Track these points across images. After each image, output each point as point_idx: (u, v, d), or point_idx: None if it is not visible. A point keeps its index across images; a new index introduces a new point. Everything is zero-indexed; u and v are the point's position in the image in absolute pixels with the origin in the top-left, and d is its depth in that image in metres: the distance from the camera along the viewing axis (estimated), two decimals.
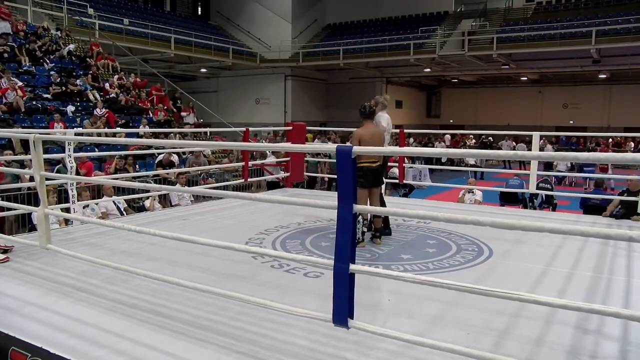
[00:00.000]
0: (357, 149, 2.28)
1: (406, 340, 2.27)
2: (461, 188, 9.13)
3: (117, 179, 6.96)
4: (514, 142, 21.50)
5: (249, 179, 7.71)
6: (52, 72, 12.64)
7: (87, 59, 14.52)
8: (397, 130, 7.96)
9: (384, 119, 5.35)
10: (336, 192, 2.34)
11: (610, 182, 13.71)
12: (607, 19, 18.67)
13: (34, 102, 11.16)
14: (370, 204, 4.77)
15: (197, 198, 8.39)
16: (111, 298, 3.26)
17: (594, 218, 6.29)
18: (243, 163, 7.60)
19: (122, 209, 7.40)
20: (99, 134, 8.52)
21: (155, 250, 4.40)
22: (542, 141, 19.17)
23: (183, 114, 14.74)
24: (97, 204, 7.05)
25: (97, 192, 7.61)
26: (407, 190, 10.96)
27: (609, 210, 6.31)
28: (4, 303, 3.19)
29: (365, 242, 4.75)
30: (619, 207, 6.27)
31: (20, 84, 11.18)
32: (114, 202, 7.19)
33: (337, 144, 2.41)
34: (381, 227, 4.98)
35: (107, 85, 13.74)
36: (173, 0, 27.62)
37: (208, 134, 13.67)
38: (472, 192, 8.71)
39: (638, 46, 17.35)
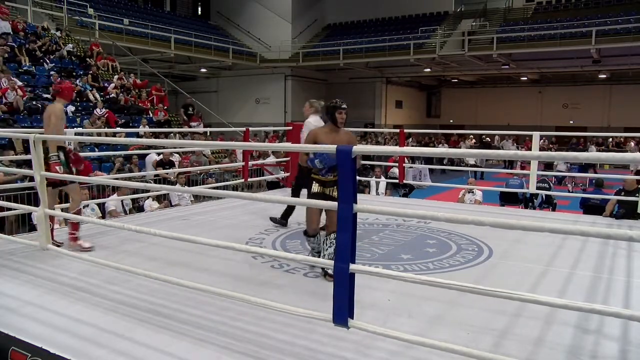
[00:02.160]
0: (357, 148, 2.28)
1: (406, 340, 2.28)
2: (461, 188, 9.13)
3: (117, 179, 6.96)
4: (515, 143, 21.49)
5: (249, 179, 7.71)
6: (52, 72, 12.64)
7: (87, 59, 14.51)
8: (397, 130, 7.99)
9: (307, 125, 5.44)
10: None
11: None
12: (607, 19, 18.65)
13: (34, 102, 11.15)
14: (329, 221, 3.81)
15: (197, 198, 8.39)
16: (111, 298, 3.26)
17: (594, 218, 6.29)
18: (243, 163, 7.61)
19: (127, 210, 7.43)
20: (99, 134, 8.52)
21: (155, 250, 4.40)
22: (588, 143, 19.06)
23: (193, 123, 14.50)
24: (97, 204, 7.06)
25: (98, 192, 7.63)
26: (407, 190, 10.97)
27: (608, 210, 6.32)
28: (4, 303, 3.19)
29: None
30: (619, 207, 6.28)
31: (20, 83, 11.17)
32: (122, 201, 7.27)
33: (337, 144, 2.41)
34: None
35: (108, 85, 13.71)
36: (173, 0, 27.62)
37: (208, 133, 13.65)
38: (472, 192, 8.71)
39: (638, 46, 17.34)
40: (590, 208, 7.79)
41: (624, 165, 15.35)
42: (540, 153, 2.47)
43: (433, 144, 21.51)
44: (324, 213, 4.02)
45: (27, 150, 7.97)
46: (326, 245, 3.81)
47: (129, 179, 7.24)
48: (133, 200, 7.91)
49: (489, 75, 25.82)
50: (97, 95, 12.91)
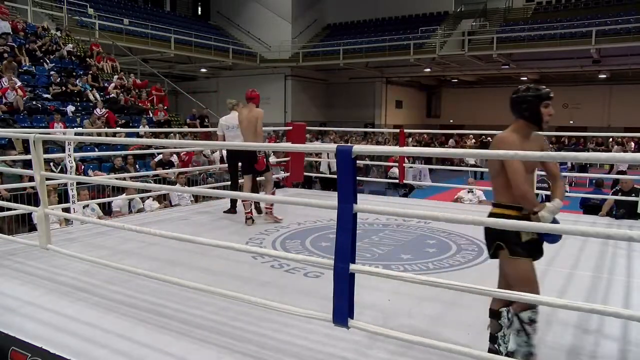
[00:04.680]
0: (357, 147, 2.27)
1: (406, 340, 2.27)
2: (461, 188, 9.11)
3: (117, 178, 6.97)
4: None
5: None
6: (52, 72, 12.64)
7: (87, 59, 14.51)
8: (397, 130, 8.01)
9: (222, 120, 6.33)
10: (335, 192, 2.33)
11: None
12: (607, 19, 18.65)
13: (34, 102, 11.15)
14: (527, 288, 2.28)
15: (197, 198, 8.39)
16: (111, 298, 3.26)
17: (594, 218, 6.29)
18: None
19: (133, 209, 7.50)
20: (99, 134, 8.52)
21: (155, 250, 4.40)
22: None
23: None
24: (94, 204, 7.06)
25: (97, 192, 7.63)
26: (407, 190, 10.96)
27: (604, 210, 6.33)
28: (4, 303, 3.19)
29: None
30: (617, 207, 6.28)
31: (20, 83, 11.18)
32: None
33: (337, 144, 2.41)
34: None
35: (108, 85, 13.70)
36: (173, 0, 27.62)
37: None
38: (472, 192, 8.70)
39: (638, 46, 17.33)
40: (590, 208, 7.78)
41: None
42: (541, 153, 2.46)
43: (434, 144, 21.49)
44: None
45: (27, 150, 7.97)
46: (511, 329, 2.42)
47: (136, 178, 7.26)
48: (132, 200, 7.91)
49: (489, 75, 25.80)
50: (97, 95, 12.91)
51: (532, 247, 2.38)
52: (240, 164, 6.15)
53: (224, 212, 6.22)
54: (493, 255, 2.45)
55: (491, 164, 2.43)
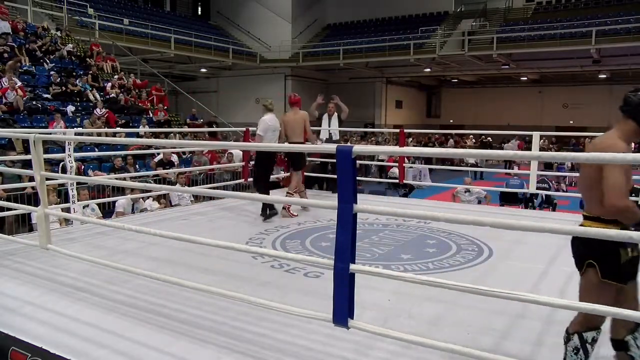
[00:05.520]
0: (357, 147, 2.28)
1: (406, 340, 2.27)
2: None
3: (117, 178, 6.96)
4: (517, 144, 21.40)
5: (249, 179, 7.70)
6: (52, 72, 12.64)
7: (87, 59, 14.51)
8: (397, 130, 8.01)
9: (262, 122, 6.02)
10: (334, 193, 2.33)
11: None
12: (607, 19, 18.66)
13: (34, 102, 11.15)
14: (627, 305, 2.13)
15: (197, 198, 8.39)
16: (111, 298, 3.26)
17: None
18: (243, 163, 7.61)
19: (135, 210, 7.53)
20: (99, 134, 8.52)
21: (155, 250, 4.40)
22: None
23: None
24: (94, 204, 7.05)
25: (97, 192, 7.63)
26: (407, 190, 10.96)
27: None
28: (4, 303, 3.19)
29: None
30: None
31: (20, 83, 11.18)
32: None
33: (337, 144, 2.40)
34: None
35: (108, 85, 13.70)
36: (173, 0, 27.62)
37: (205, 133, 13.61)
38: (469, 191, 8.71)
39: (638, 46, 17.34)
40: None
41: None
42: (540, 153, 2.47)
43: (433, 144, 21.48)
44: None
45: (27, 150, 7.97)
46: None
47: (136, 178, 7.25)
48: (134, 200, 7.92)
49: (489, 75, 25.81)
50: (97, 95, 12.91)
51: (630, 268, 2.13)
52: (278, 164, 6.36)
53: (265, 220, 5.73)
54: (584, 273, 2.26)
55: (586, 172, 2.16)
